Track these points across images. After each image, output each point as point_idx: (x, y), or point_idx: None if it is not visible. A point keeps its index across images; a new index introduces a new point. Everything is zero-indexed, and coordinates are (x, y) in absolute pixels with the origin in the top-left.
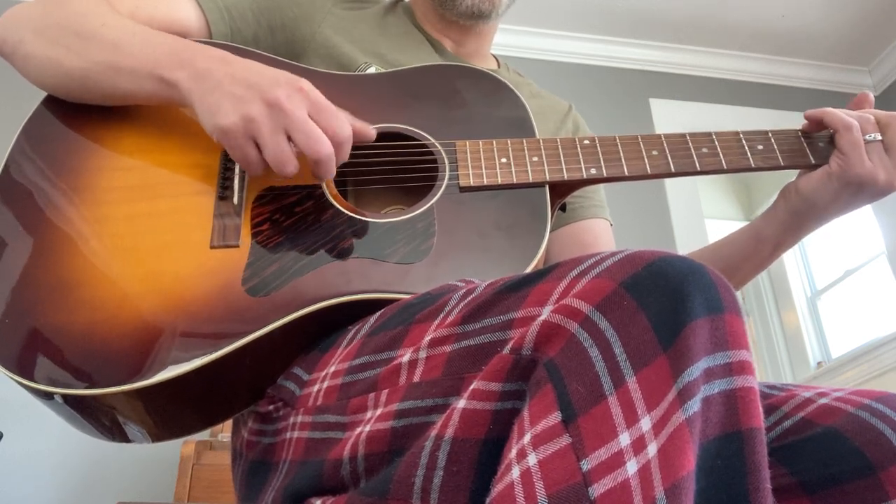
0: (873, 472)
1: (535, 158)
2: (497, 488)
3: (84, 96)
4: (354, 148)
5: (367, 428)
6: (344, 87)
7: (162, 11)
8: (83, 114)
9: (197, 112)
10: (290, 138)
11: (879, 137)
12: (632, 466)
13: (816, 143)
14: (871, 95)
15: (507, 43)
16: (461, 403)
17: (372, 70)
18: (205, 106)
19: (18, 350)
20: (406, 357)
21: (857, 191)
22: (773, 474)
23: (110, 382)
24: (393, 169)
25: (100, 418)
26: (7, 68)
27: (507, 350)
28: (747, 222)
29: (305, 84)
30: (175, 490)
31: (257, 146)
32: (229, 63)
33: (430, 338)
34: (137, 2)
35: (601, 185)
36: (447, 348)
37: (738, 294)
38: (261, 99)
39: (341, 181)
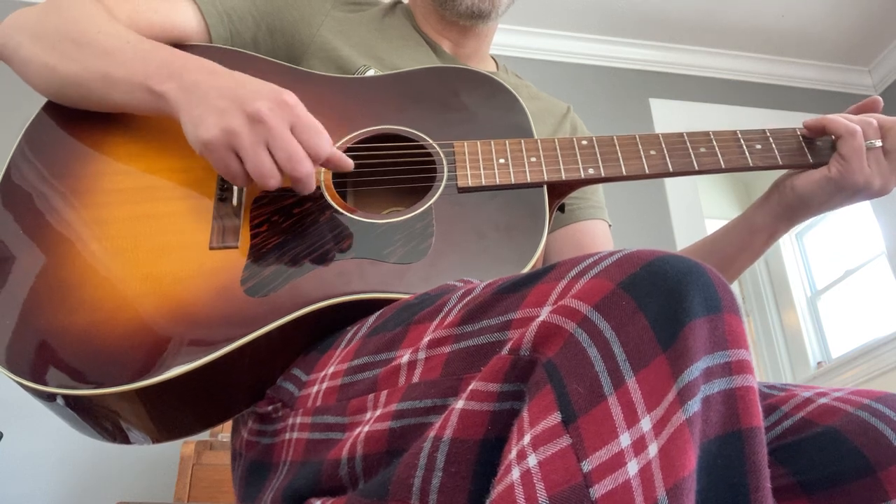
0: (873, 472)
1: (533, 159)
2: (497, 489)
3: (80, 103)
4: (355, 149)
5: (366, 429)
6: (343, 90)
7: (161, 16)
8: (83, 118)
9: (182, 125)
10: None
11: (879, 143)
12: (633, 467)
13: (815, 143)
14: (881, 101)
15: (507, 43)
16: (459, 404)
17: (371, 73)
18: (189, 118)
19: (19, 351)
20: (405, 358)
21: (852, 195)
22: (772, 474)
23: (110, 383)
24: (392, 170)
25: (100, 419)
26: (9, 71)
27: (505, 351)
28: None
29: (289, 97)
30: (175, 490)
31: (240, 158)
32: (217, 75)
33: (428, 338)
34: (136, 6)
35: (600, 186)
36: (446, 349)
37: (738, 294)
38: (242, 111)
39: (340, 182)
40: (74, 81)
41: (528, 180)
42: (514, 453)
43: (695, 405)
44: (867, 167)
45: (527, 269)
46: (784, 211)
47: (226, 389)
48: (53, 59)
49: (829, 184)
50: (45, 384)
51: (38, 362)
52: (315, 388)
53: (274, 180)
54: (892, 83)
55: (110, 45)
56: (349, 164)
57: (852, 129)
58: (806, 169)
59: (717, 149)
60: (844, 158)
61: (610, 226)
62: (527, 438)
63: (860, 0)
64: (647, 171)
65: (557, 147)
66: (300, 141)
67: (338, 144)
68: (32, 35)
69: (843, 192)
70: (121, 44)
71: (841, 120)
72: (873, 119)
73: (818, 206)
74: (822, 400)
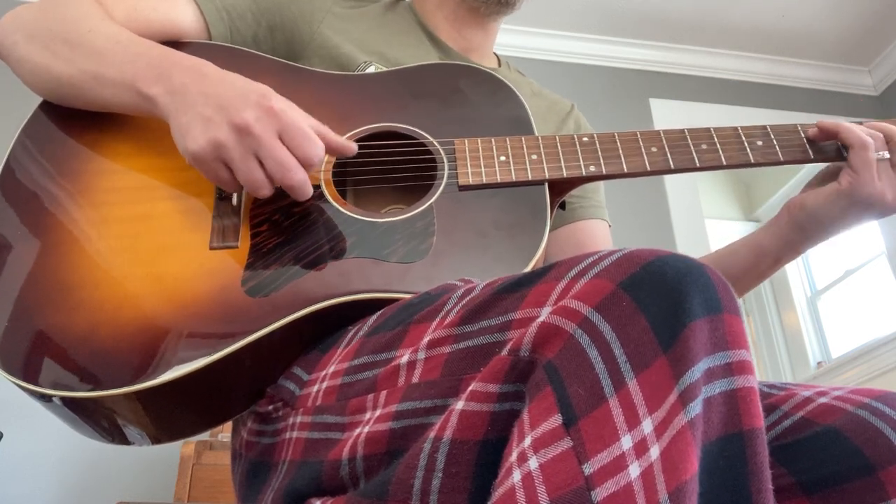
0: (873, 471)
1: (535, 156)
2: (498, 492)
3: (75, 103)
4: None
5: (366, 429)
6: (343, 87)
7: (160, 13)
8: (81, 117)
9: (171, 131)
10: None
11: (887, 155)
12: (634, 470)
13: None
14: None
15: (508, 43)
16: (459, 405)
17: (371, 69)
18: (177, 126)
19: (16, 351)
20: (405, 358)
21: (864, 210)
22: (772, 474)
23: (109, 385)
24: (392, 168)
25: (99, 420)
26: (6, 71)
27: (505, 351)
28: (747, 222)
29: (277, 103)
30: (175, 490)
31: (230, 168)
32: (205, 78)
33: (428, 339)
34: (135, 4)
35: (601, 186)
36: (446, 349)
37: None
38: (228, 123)
39: (340, 180)
40: (67, 82)
41: (530, 178)
42: (514, 455)
43: (696, 407)
44: (878, 180)
45: (529, 268)
46: (793, 232)
47: (226, 390)
48: (46, 59)
49: (840, 197)
50: (41, 385)
51: (34, 363)
52: (315, 388)
53: (266, 190)
54: (892, 83)
55: (101, 45)
56: (352, 147)
57: (864, 141)
58: (807, 163)
59: (718, 145)
60: (855, 170)
61: (610, 225)
62: (527, 440)
63: (860, 0)
64: (648, 168)
65: (558, 144)
66: (290, 148)
67: None
68: (27, 34)
69: (856, 206)
70: (111, 44)
71: (855, 130)
72: (879, 132)
73: (831, 223)
74: (822, 399)
